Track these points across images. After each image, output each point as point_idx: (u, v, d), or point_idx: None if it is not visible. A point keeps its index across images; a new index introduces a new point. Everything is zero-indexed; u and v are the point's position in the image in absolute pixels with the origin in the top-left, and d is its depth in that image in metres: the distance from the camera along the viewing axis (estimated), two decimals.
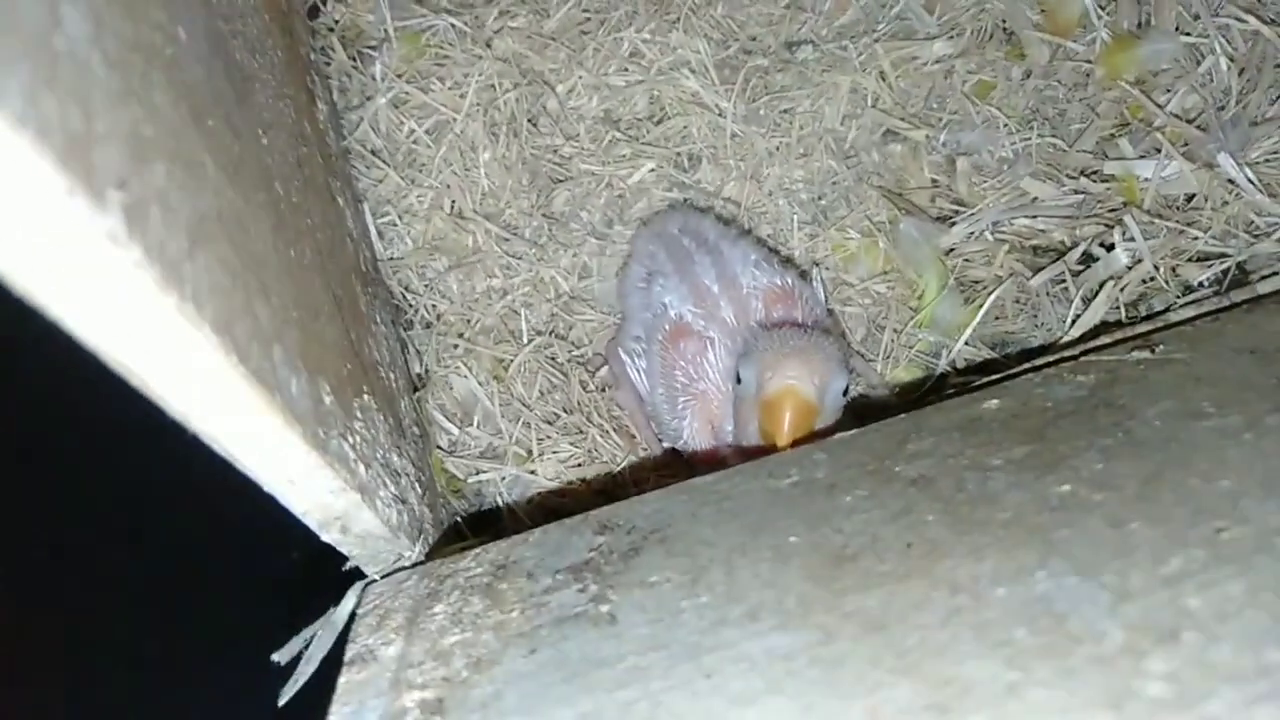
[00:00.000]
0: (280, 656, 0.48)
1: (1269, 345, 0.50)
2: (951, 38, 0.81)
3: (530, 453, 0.72)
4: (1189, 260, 0.69)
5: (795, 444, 0.54)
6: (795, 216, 0.79)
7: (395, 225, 0.80)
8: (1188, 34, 0.76)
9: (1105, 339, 0.60)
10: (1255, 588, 0.34)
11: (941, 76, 0.81)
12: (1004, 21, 0.81)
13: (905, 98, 0.81)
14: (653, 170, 0.80)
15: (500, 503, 0.71)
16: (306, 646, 0.48)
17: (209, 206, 0.35)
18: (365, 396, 0.53)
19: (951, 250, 0.75)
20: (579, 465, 0.72)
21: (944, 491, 0.43)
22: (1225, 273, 0.67)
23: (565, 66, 0.82)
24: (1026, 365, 0.57)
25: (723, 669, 0.37)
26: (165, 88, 0.33)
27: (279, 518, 0.43)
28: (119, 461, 0.50)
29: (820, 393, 0.56)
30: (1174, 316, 0.63)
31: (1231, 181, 0.70)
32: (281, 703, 0.47)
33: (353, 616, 0.46)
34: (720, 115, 0.80)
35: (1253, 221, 0.69)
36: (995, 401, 0.50)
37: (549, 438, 0.73)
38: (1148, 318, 0.65)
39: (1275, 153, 0.71)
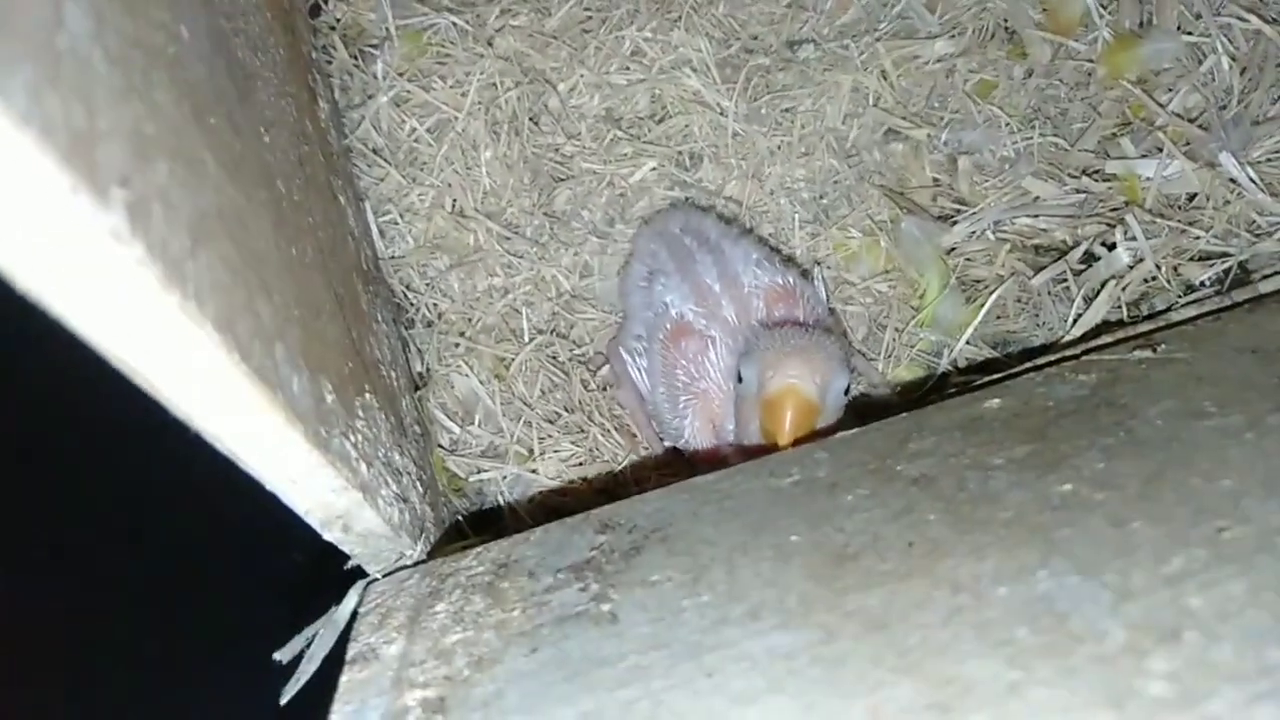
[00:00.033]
0: (282, 655, 0.48)
1: (1271, 345, 0.50)
2: (953, 37, 0.81)
3: (531, 452, 0.72)
4: (1191, 259, 0.69)
5: (796, 443, 0.54)
6: (797, 215, 0.79)
7: (396, 224, 0.80)
8: (1189, 33, 0.76)
9: (1107, 338, 0.60)
10: (1257, 587, 0.34)
11: (943, 75, 0.81)
12: (1006, 20, 0.81)
13: (907, 97, 0.81)
14: (654, 169, 0.80)
15: (501, 501, 0.71)
16: (308, 645, 0.48)
17: (210, 204, 0.35)
18: (367, 395, 0.53)
19: (953, 249, 0.75)
20: (580, 464, 0.72)
21: (945, 491, 0.43)
22: (1227, 272, 0.67)
23: (567, 65, 0.82)
24: (1028, 364, 0.57)
25: (724, 668, 0.37)
26: (167, 86, 0.33)
27: (280, 517, 0.43)
28: (119, 461, 0.50)
29: (822, 392, 0.56)
30: (1175, 316, 0.63)
31: (1233, 181, 0.70)
32: (283, 701, 0.47)
33: (354, 615, 0.46)
34: (722, 114, 0.80)
35: (1254, 221, 0.69)
36: (997, 401, 0.50)
37: (550, 437, 0.73)
38: (1149, 317, 0.65)
39: (1277, 152, 0.71)
